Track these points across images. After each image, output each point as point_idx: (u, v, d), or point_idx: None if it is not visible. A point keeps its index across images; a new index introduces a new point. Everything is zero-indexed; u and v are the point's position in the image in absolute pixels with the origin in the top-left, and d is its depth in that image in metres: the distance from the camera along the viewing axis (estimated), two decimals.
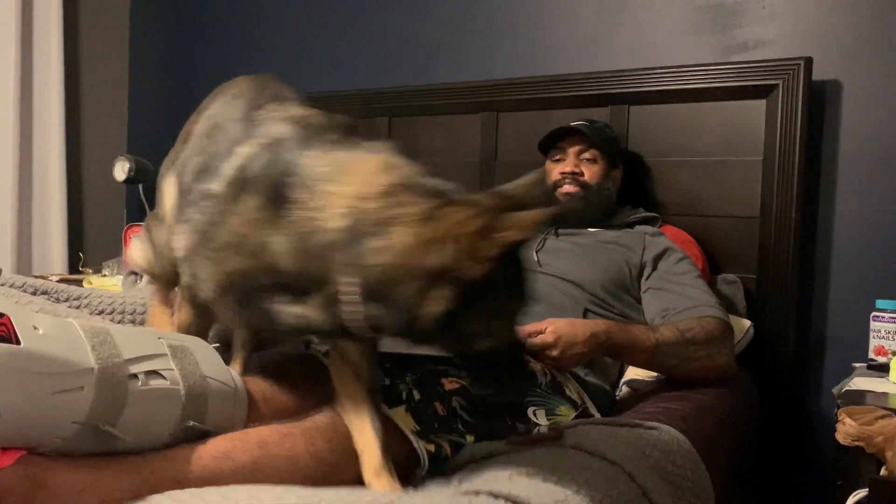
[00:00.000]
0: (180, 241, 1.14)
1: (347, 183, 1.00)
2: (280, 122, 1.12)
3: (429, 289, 0.93)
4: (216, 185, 1.09)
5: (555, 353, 1.48)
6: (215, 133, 1.18)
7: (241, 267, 1.04)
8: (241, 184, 1.05)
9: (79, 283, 2.61)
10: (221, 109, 1.23)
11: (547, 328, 1.50)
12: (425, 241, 0.92)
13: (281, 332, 1.09)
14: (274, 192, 1.02)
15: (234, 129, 1.14)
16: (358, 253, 0.95)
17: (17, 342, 0.79)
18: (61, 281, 2.29)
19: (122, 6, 3.81)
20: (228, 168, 1.08)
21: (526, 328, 1.51)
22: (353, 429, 1.11)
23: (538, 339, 1.48)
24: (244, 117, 1.16)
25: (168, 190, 1.29)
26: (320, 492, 0.92)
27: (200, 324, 1.34)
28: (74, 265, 3.36)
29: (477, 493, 0.94)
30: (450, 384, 1.25)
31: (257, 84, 1.26)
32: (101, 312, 1.83)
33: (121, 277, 2.65)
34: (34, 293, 1.84)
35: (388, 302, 0.95)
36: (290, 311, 1.04)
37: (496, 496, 0.93)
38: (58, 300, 1.84)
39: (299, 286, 1.02)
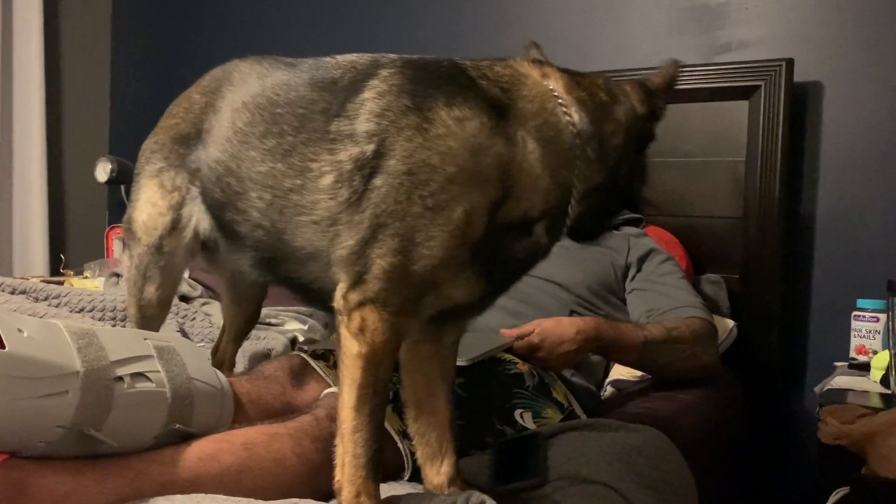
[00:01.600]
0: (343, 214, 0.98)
1: (554, 77, 1.05)
2: (363, 56, 1.07)
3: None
4: (358, 147, 0.97)
5: (542, 353, 1.48)
6: (275, 110, 1.07)
7: (482, 200, 0.94)
8: (412, 110, 0.95)
9: (60, 285, 2.58)
10: (258, 90, 1.11)
11: (534, 329, 1.50)
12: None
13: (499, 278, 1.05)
14: (468, 95, 0.96)
15: (312, 81, 1.06)
16: (601, 144, 1.02)
17: (2, 346, 0.79)
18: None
19: (103, 5, 3.78)
20: (365, 117, 0.97)
21: (513, 331, 1.51)
22: (423, 431, 1.09)
23: (524, 342, 1.48)
24: (315, 68, 1.08)
25: (157, 192, 1.24)
26: None
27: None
28: (56, 267, 3.32)
29: None
30: None
31: (260, 57, 1.20)
32: (80, 311, 1.82)
33: (102, 279, 2.63)
34: (12, 293, 1.82)
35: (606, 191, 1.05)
36: (521, 245, 1.00)
37: None
38: (37, 299, 1.83)
39: (545, 207, 0.99)
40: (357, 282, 0.95)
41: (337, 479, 0.94)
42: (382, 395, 0.97)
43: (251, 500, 0.92)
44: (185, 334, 1.88)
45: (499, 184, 0.94)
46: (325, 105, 1.02)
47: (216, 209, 1.17)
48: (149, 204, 1.24)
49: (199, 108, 1.21)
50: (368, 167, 0.96)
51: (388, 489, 1.07)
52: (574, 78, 1.06)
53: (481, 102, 0.96)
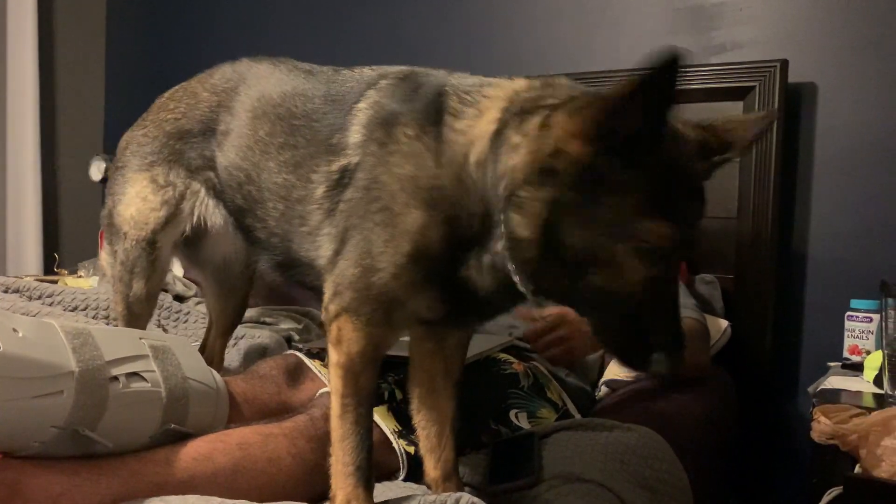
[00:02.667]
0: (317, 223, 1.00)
1: (503, 86, 0.93)
2: (379, 68, 1.05)
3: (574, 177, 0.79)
4: (346, 159, 0.98)
5: (562, 331, 1.43)
6: (293, 122, 1.07)
7: (424, 221, 0.90)
8: (383, 124, 0.95)
9: (54, 284, 2.57)
10: (278, 99, 1.11)
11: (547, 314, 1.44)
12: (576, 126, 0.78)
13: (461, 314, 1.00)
14: (429, 112, 0.93)
15: (328, 94, 1.06)
16: (508, 146, 0.84)
17: None
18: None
19: (97, 4, 3.76)
20: (356, 129, 0.98)
21: (524, 313, 1.47)
22: (424, 424, 1.10)
23: (540, 324, 1.43)
24: (332, 81, 1.08)
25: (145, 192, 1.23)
26: None
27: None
28: (50, 266, 3.31)
29: None
30: None
31: (276, 60, 1.20)
32: (74, 309, 1.82)
33: (97, 278, 2.62)
34: (6, 291, 1.82)
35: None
36: (463, 275, 0.93)
37: None
38: (30, 298, 1.83)
39: (474, 232, 0.89)
40: (335, 293, 0.96)
41: (332, 486, 0.95)
42: (366, 404, 0.97)
43: (246, 502, 0.92)
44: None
45: (438, 208, 0.90)
46: (333, 119, 1.03)
47: (237, 214, 1.18)
48: (138, 199, 1.24)
49: (208, 107, 1.20)
50: (347, 178, 0.97)
51: (382, 489, 1.07)
52: (522, 92, 0.91)
53: (433, 122, 0.93)
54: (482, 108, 0.91)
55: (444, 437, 1.10)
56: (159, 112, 1.28)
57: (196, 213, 1.23)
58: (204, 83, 1.25)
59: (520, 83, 0.94)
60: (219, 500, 0.90)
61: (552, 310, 1.47)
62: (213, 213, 1.22)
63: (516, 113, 0.87)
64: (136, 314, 1.27)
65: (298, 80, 1.13)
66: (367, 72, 1.07)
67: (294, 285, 1.20)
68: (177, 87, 1.29)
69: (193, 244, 1.28)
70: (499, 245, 0.86)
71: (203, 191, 1.22)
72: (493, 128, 0.88)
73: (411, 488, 1.09)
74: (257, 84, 1.17)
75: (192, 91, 1.25)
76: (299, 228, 1.04)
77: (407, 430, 1.16)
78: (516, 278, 0.86)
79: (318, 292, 1.10)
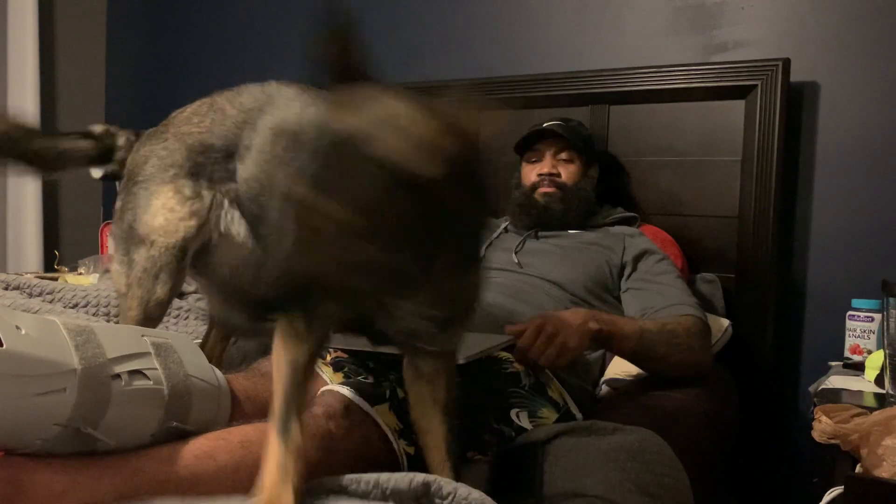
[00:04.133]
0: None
1: None
2: None
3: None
4: None
5: (560, 339, 1.42)
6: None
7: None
8: None
9: (54, 281, 2.57)
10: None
11: (541, 322, 1.45)
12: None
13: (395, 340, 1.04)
14: None
15: None
16: None
17: (0, 343, 0.78)
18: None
19: (98, 4, 3.76)
20: None
21: (517, 327, 1.49)
22: (423, 445, 1.11)
23: (523, 332, 1.43)
24: None
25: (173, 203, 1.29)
26: None
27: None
28: (50, 263, 3.31)
29: None
30: None
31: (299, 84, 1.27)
32: (74, 306, 1.82)
33: (97, 276, 2.62)
34: (6, 288, 1.82)
35: None
36: (407, 308, 0.96)
37: None
38: (31, 295, 1.83)
39: None
40: None
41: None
42: None
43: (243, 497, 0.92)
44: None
45: None
46: None
47: (254, 223, 1.24)
48: (165, 209, 1.29)
49: (234, 123, 1.27)
50: None
51: None
52: None
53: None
54: None
55: (439, 460, 1.10)
56: (181, 126, 1.34)
57: (222, 224, 1.30)
58: (232, 101, 1.31)
59: None
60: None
61: (532, 321, 1.46)
62: (237, 224, 1.29)
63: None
64: (153, 319, 1.30)
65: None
66: None
67: None
68: (200, 102, 1.35)
69: (200, 253, 1.33)
70: None
71: (227, 202, 1.29)
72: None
73: None
74: (284, 105, 1.24)
75: (220, 108, 1.32)
76: None
77: (408, 429, 1.16)
78: None
79: None
